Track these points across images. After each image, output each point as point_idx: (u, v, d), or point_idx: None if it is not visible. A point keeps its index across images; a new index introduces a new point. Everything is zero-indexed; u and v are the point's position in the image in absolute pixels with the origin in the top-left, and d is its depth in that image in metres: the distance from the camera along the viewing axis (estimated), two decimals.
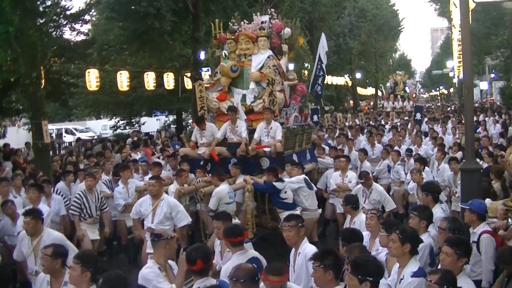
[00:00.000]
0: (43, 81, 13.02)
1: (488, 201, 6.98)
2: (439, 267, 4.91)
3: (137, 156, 14.20)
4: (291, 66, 11.57)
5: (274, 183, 8.62)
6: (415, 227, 5.45)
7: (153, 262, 5.04)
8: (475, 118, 15.90)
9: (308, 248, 5.27)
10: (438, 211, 6.66)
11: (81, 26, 17.55)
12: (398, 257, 4.77)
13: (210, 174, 9.49)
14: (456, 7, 26.26)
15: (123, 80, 20.06)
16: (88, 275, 4.38)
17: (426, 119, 24.16)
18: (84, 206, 8.85)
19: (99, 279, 4.24)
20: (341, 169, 10.18)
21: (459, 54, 30.61)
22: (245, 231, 5.65)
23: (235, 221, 8.33)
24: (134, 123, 29.57)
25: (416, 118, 22.81)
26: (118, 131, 29.35)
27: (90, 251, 5.32)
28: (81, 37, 17.77)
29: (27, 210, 6.94)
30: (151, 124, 32.00)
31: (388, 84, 44.36)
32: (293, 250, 5.44)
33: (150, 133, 27.17)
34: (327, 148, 13.04)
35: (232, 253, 5.32)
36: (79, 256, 4.60)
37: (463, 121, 17.91)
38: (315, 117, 18.77)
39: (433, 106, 41.07)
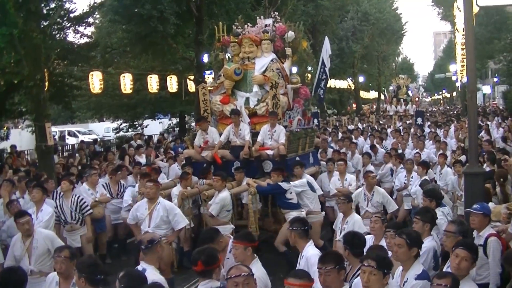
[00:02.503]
0: (46, 83, 13.02)
1: (491, 204, 6.97)
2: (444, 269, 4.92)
3: (141, 159, 14.19)
4: (295, 69, 11.57)
5: (280, 183, 8.61)
6: (419, 231, 5.45)
7: (153, 268, 4.99)
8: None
9: (310, 252, 5.28)
10: (439, 216, 6.65)
11: (85, 28, 17.54)
12: (404, 261, 4.78)
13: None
14: (460, 11, 26.24)
15: (126, 82, 20.11)
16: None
17: (428, 123, 24.14)
18: (59, 213, 8.56)
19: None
20: (340, 172, 10.28)
21: (462, 58, 30.75)
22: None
23: (231, 226, 8.39)
24: (136, 125, 29.59)
25: (417, 123, 22.81)
26: (121, 133, 29.36)
27: (89, 257, 5.30)
28: (85, 40, 17.74)
29: (19, 212, 6.92)
30: (153, 126, 32.00)
31: (391, 88, 44.42)
32: None
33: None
34: (330, 151, 13.06)
35: (252, 259, 5.02)
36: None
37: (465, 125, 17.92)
38: (315, 121, 18.78)
39: (436, 112, 40.72)
